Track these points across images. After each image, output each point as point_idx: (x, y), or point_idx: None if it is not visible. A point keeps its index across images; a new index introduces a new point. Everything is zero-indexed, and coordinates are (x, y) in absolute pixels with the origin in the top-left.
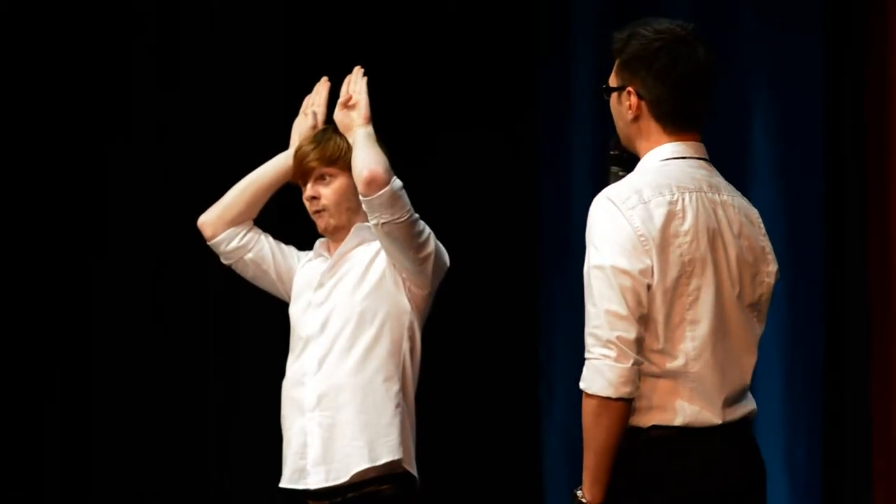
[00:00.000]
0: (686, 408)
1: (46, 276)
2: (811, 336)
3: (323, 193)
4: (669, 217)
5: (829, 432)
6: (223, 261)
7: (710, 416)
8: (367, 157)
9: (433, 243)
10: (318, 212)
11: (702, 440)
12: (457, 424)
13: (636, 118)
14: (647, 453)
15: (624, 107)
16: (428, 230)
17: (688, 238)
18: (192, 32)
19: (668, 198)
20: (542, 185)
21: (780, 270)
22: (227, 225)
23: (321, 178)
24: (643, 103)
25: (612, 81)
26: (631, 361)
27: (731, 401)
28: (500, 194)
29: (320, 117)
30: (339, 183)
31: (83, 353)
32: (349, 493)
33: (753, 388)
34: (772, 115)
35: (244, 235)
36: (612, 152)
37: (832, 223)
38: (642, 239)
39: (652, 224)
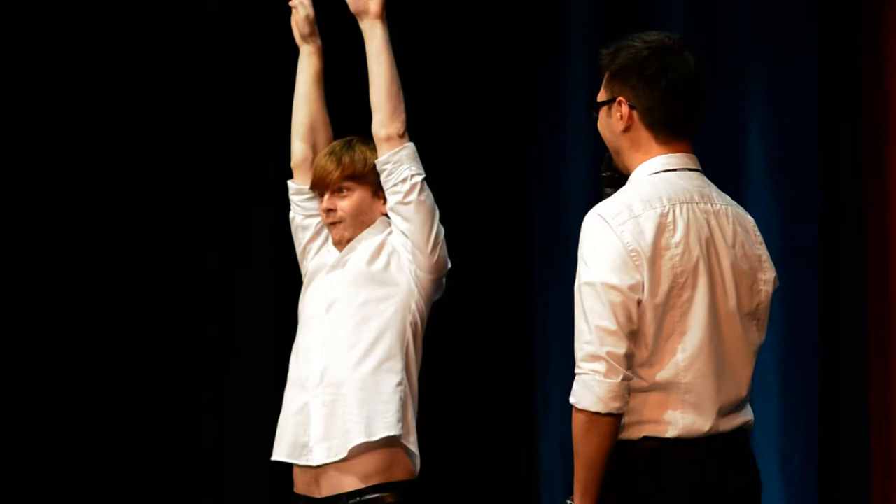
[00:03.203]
0: (678, 419)
1: (46, 275)
2: (807, 342)
3: (340, 206)
4: (660, 229)
5: (825, 439)
6: (298, 176)
7: (703, 426)
8: (398, 105)
9: (442, 231)
10: (333, 223)
11: (695, 451)
12: (453, 430)
13: (627, 129)
14: (639, 465)
15: (614, 118)
16: (437, 212)
17: (679, 250)
18: (188, 36)
19: (658, 210)
20: (537, 191)
21: (777, 273)
22: (305, 138)
23: (338, 191)
24: (634, 113)
25: (602, 96)
26: (620, 377)
27: (727, 411)
28: (494, 201)
29: (307, 4)
30: (356, 197)
31: (83, 349)
32: (350, 500)
33: (751, 391)
34: (767, 121)
35: (310, 200)
36: (603, 174)
37: (828, 230)
38: (633, 254)
39: (643, 238)
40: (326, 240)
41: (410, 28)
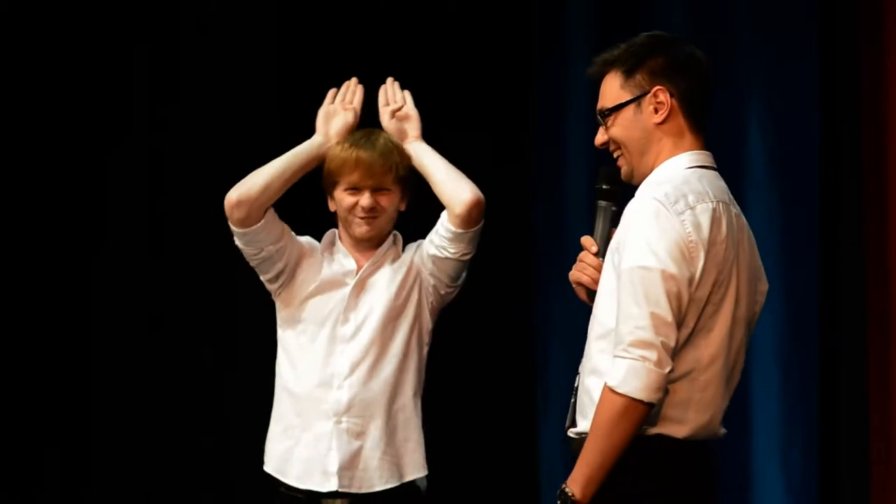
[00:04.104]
0: (690, 418)
1: (45, 275)
2: (808, 340)
3: (381, 203)
4: (713, 224)
5: (825, 436)
6: (243, 245)
7: (709, 427)
8: (464, 180)
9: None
10: (370, 218)
11: (698, 454)
12: (453, 431)
13: (664, 121)
14: (649, 465)
15: (646, 113)
16: None
17: (723, 247)
18: (188, 36)
19: (709, 204)
20: (537, 191)
21: (777, 272)
22: (260, 210)
23: (380, 189)
24: (674, 101)
25: (623, 95)
26: (668, 369)
27: (723, 416)
28: (495, 201)
29: (357, 116)
30: (395, 195)
31: (83, 350)
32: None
33: (750, 388)
34: (767, 120)
35: (273, 224)
36: (603, 187)
37: (829, 226)
38: (691, 245)
39: (700, 230)
40: (300, 242)
41: (410, 29)
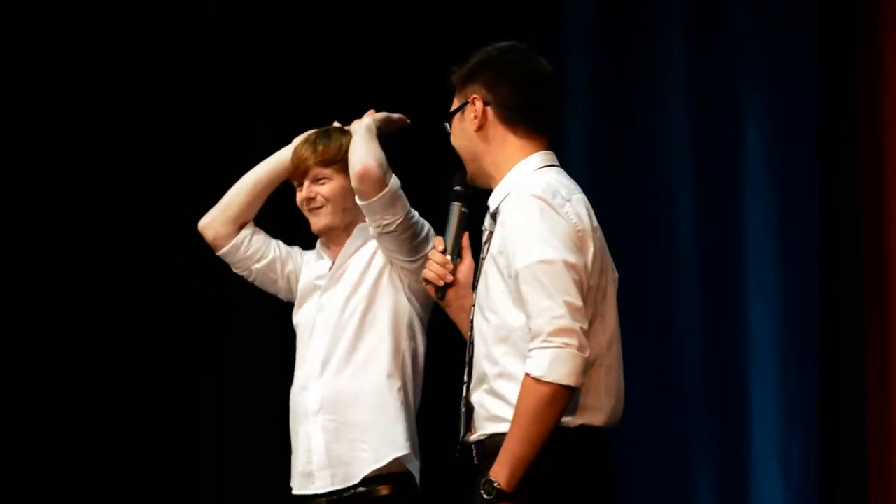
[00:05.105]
0: (604, 405)
1: (44, 274)
2: (806, 337)
3: (319, 192)
4: (589, 212)
5: (824, 434)
6: (233, 269)
7: (617, 412)
8: (361, 151)
9: (432, 241)
10: (314, 209)
11: (608, 444)
12: (451, 431)
13: (481, 127)
14: (574, 455)
15: (468, 121)
16: (426, 228)
17: (598, 234)
18: (188, 36)
19: (580, 195)
20: None
21: (776, 271)
22: (226, 225)
23: (317, 180)
24: (489, 109)
25: (453, 106)
26: (587, 353)
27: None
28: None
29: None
30: (336, 183)
31: (82, 353)
32: (347, 493)
33: (749, 388)
34: (765, 115)
35: (250, 242)
36: (455, 188)
37: (827, 225)
38: (580, 234)
39: (582, 219)
40: (302, 256)
41: (410, 29)
